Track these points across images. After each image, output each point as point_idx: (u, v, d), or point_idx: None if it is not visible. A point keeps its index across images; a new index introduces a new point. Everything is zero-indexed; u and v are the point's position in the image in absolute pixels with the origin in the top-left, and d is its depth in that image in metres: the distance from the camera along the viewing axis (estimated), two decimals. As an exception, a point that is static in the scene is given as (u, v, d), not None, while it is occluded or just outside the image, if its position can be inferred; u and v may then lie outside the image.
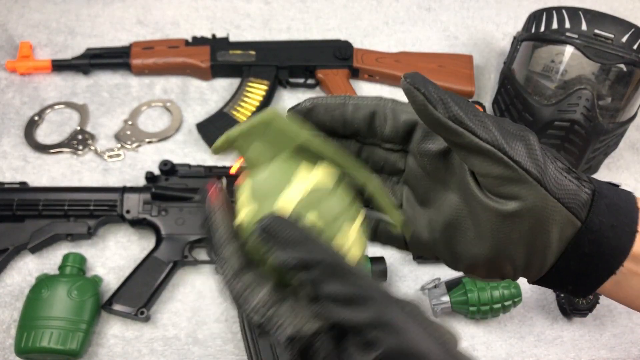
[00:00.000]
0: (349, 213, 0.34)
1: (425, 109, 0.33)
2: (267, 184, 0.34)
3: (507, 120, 0.35)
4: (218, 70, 1.01)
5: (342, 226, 0.34)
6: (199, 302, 0.82)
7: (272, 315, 0.31)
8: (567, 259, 0.35)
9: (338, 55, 1.01)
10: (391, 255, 0.86)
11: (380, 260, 0.82)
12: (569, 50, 0.85)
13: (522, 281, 0.91)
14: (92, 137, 0.94)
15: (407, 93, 0.33)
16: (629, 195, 0.36)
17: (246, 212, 0.33)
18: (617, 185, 0.38)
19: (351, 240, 0.34)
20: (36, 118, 0.96)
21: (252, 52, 1.01)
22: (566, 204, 0.34)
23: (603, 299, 0.83)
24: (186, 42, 1.01)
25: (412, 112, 0.35)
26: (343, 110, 0.37)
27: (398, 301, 0.29)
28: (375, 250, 0.86)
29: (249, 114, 0.95)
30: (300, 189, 0.33)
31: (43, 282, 0.76)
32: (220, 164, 0.92)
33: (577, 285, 0.37)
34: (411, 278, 0.85)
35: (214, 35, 1.02)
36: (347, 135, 0.39)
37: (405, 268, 0.85)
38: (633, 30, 0.84)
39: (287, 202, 0.33)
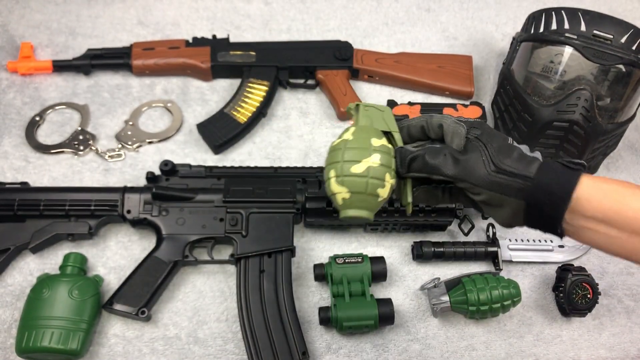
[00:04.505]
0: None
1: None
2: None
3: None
4: (218, 70, 1.01)
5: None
6: (199, 301, 0.82)
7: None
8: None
9: (338, 55, 1.02)
10: (390, 255, 0.86)
11: (380, 259, 0.82)
12: (568, 50, 0.85)
13: (522, 281, 0.90)
14: (93, 137, 0.95)
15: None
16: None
17: None
18: None
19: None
20: (37, 118, 0.96)
21: (253, 53, 1.01)
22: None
23: (602, 299, 0.83)
24: (187, 43, 1.02)
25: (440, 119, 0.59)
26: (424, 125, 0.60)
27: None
28: (374, 250, 0.87)
29: (249, 114, 0.96)
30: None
31: (44, 282, 0.76)
32: (220, 164, 0.93)
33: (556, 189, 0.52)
34: (411, 278, 0.85)
35: (214, 36, 1.03)
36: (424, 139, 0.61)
37: (405, 268, 0.86)
38: (632, 30, 0.84)
39: None
